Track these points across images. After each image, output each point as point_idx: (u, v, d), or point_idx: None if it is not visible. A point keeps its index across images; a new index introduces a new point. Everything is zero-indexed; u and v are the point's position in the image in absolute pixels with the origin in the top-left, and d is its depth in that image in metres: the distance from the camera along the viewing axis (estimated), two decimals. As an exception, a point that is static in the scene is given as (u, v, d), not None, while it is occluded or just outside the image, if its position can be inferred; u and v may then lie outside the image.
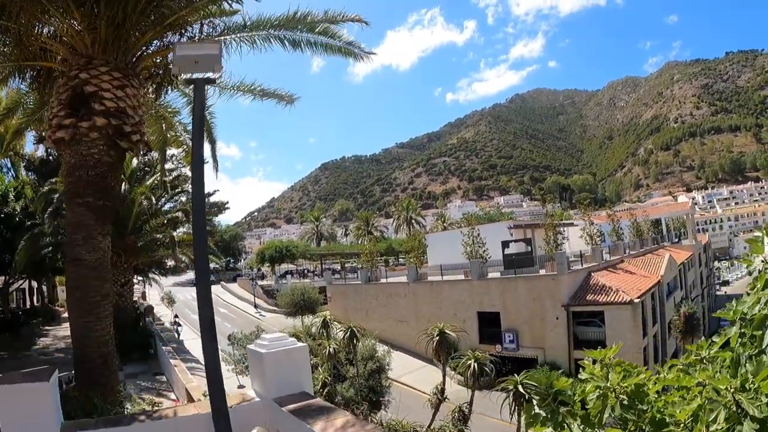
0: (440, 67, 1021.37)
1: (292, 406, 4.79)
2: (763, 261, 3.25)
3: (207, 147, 17.31)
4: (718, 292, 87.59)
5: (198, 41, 11.20)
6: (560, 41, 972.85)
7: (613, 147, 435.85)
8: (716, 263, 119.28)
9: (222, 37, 12.59)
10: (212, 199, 53.04)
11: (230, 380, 28.68)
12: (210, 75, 5.09)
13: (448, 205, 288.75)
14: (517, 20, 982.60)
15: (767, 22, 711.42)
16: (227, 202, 60.01)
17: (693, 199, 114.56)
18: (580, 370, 4.06)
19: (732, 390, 2.88)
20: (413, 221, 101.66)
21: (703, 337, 4.45)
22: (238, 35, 12.79)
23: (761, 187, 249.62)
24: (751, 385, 2.84)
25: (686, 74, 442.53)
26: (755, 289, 3.18)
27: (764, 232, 3.35)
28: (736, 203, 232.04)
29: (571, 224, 52.01)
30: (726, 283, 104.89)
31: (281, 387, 5.29)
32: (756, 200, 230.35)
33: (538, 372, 30.09)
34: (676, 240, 69.42)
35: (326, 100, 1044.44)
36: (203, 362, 5.19)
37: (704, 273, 70.09)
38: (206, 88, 6.00)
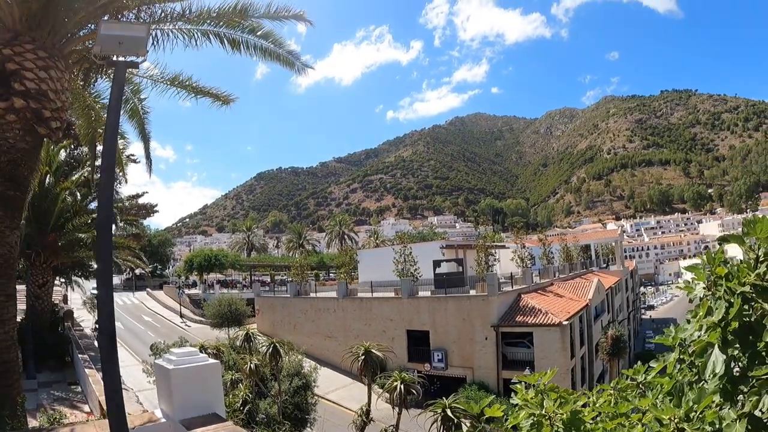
0: (383, 84, 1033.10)
1: (200, 430, 4.34)
2: (704, 288, 3.09)
3: (140, 144, 16.49)
4: (643, 316, 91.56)
5: (127, 22, 10.58)
6: (504, 68, 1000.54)
7: (548, 174, 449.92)
8: (642, 288, 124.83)
9: (159, 26, 11.92)
10: (141, 200, 51.21)
11: (152, 392, 27.55)
12: (133, 59, 4.68)
13: (382, 222, 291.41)
14: (463, 44, 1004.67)
15: (702, 65, 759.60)
16: (156, 205, 57.97)
17: (622, 227, 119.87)
18: (512, 394, 3.90)
19: (676, 420, 2.73)
20: (346, 236, 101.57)
21: (639, 362, 4.32)
22: (176, 26, 12.11)
23: (687, 218, 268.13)
24: (694, 413, 2.70)
25: (622, 109, 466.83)
26: (698, 317, 3.02)
27: (704, 258, 3.20)
28: (663, 233, 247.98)
29: (503, 247, 52.89)
30: (651, 307, 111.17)
31: (190, 408, 4.78)
32: (681, 230, 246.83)
33: (467, 391, 30.34)
34: (605, 265, 71.63)
35: (267, 109, 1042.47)
36: (122, 375, 4.70)
37: (630, 297, 73.20)
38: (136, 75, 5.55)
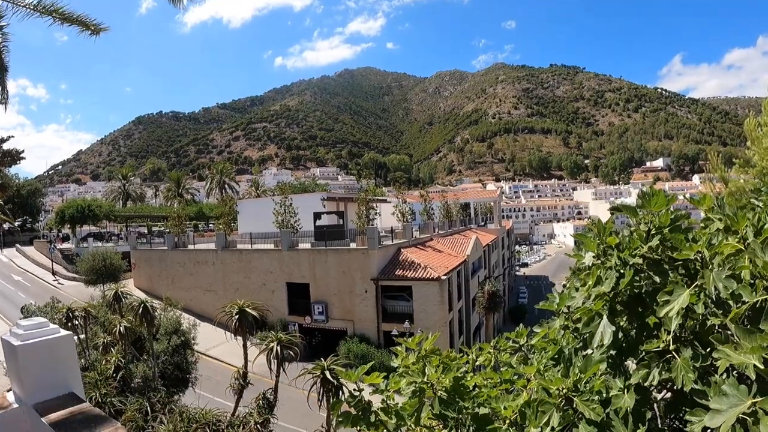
0: (273, 29, 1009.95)
1: (54, 416, 3.71)
2: (594, 257, 3.06)
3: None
4: (517, 273, 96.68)
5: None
6: (400, 24, 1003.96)
7: (432, 133, 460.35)
8: (517, 247, 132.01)
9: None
10: (5, 146, 47.03)
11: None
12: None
13: (264, 172, 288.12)
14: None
15: (593, 45, 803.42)
16: (23, 151, 53.10)
17: (501, 188, 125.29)
18: (393, 357, 3.82)
19: (565, 391, 2.67)
20: (227, 186, 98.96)
21: (521, 325, 4.33)
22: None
23: (563, 185, 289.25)
24: (584, 386, 2.66)
25: (511, 76, 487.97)
26: (587, 286, 2.98)
27: (595, 227, 3.14)
28: (540, 196, 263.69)
29: (385, 201, 53.49)
30: (525, 265, 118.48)
31: (43, 389, 4.16)
32: (557, 195, 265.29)
33: (348, 344, 30.74)
34: (483, 224, 74.05)
35: (149, 48, 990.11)
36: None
37: (506, 255, 77.42)
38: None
